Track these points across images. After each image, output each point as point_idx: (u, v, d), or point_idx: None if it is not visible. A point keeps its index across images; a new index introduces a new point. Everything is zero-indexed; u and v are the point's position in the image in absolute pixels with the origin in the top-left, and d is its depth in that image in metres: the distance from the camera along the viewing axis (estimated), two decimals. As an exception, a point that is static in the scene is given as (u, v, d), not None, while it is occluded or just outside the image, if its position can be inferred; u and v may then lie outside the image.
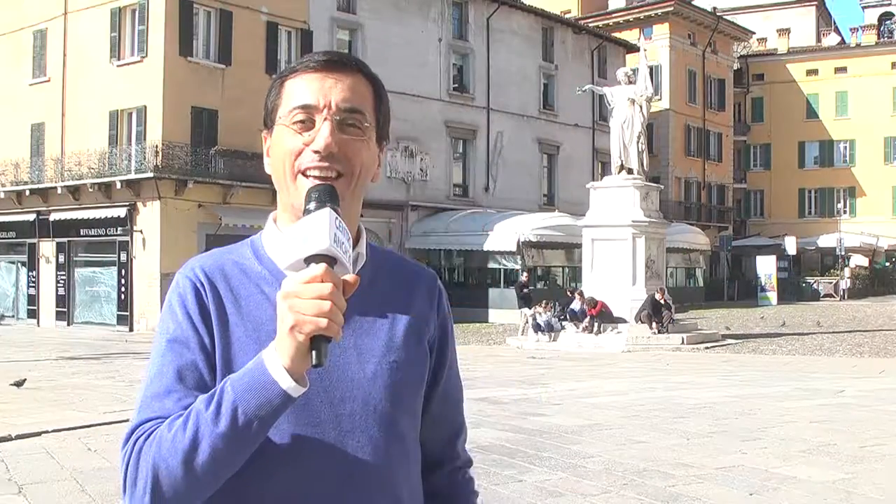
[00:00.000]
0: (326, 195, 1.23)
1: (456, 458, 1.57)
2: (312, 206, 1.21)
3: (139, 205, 26.28)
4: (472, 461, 1.63)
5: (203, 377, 1.29)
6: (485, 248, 31.29)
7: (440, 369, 1.49)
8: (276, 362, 1.16)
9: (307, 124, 1.32)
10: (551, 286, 31.54)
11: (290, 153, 1.32)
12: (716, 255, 47.27)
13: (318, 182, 1.29)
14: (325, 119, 1.31)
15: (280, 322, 1.15)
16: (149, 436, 1.22)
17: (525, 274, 28.22)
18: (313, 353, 1.15)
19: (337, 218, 1.18)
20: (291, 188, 1.33)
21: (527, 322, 22.17)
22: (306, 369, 1.16)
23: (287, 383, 1.16)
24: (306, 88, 1.32)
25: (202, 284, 1.34)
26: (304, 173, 1.31)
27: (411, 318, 1.42)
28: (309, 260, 1.16)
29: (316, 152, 1.30)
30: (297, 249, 1.16)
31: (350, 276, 1.17)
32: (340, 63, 1.35)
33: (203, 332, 1.31)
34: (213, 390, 1.21)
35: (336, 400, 1.32)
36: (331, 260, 1.16)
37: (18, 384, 11.73)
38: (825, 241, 49.24)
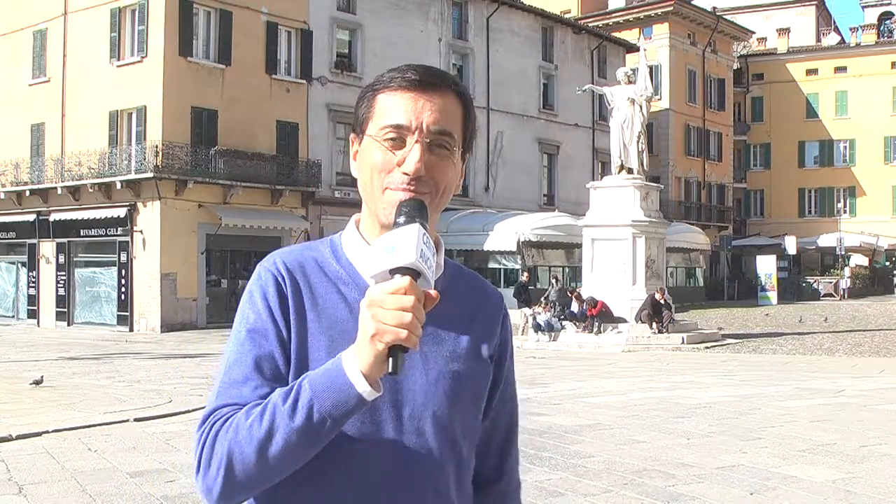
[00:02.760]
0: (416, 210, 1.29)
1: (500, 481, 1.60)
2: (402, 219, 1.27)
3: (139, 205, 26.28)
4: (521, 484, 1.66)
5: (279, 368, 1.36)
6: (485, 248, 31.28)
7: (494, 388, 1.54)
8: (354, 366, 1.22)
9: (398, 143, 1.37)
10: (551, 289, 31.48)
11: (379, 168, 1.38)
12: (716, 254, 47.25)
13: (409, 196, 1.34)
14: (417, 141, 1.36)
15: (361, 329, 1.21)
16: (225, 421, 1.29)
17: (525, 274, 28.20)
18: (390, 360, 1.20)
19: (425, 234, 1.24)
20: (379, 199, 1.38)
21: (527, 322, 22.17)
22: (382, 375, 1.23)
23: (363, 387, 1.22)
24: (399, 107, 1.37)
25: (283, 278, 1.40)
26: (392, 189, 1.37)
27: (476, 333, 1.48)
28: (394, 272, 1.20)
29: (405, 174, 1.35)
30: (384, 261, 1.21)
31: (433, 291, 1.23)
32: (434, 84, 1.39)
33: (281, 325, 1.38)
34: (290, 385, 1.27)
35: (399, 402, 1.38)
36: (415, 273, 1.21)
37: (38, 382, 11.91)
38: (825, 240, 49.17)
